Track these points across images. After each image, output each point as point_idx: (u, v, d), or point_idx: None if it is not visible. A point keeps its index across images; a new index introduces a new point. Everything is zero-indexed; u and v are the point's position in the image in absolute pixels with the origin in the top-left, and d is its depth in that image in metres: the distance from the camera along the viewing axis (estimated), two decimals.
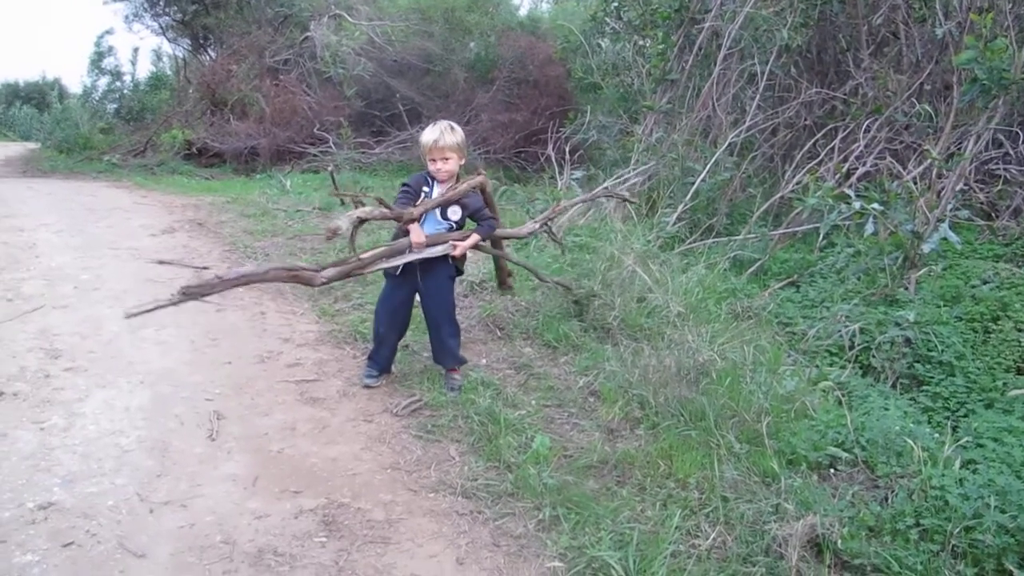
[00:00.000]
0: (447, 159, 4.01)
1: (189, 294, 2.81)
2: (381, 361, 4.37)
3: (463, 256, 4.18)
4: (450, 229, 4.13)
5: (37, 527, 2.87)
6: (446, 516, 3.16)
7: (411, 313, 4.32)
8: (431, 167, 4.02)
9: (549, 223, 5.24)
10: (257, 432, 3.75)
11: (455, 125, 4.10)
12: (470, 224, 4.25)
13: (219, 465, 3.43)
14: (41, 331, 4.83)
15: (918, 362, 4.75)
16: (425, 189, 4.04)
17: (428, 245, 3.92)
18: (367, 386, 4.29)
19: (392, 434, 3.81)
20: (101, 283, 5.89)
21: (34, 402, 3.87)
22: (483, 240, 4.26)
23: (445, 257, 4.09)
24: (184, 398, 4.05)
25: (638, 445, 3.75)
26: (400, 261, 3.86)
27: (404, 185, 4.09)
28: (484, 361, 4.74)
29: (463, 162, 4.12)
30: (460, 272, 4.34)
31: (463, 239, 4.06)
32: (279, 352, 4.77)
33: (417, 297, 4.25)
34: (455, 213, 4.11)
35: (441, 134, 3.99)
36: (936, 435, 3.77)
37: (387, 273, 4.18)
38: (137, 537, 2.86)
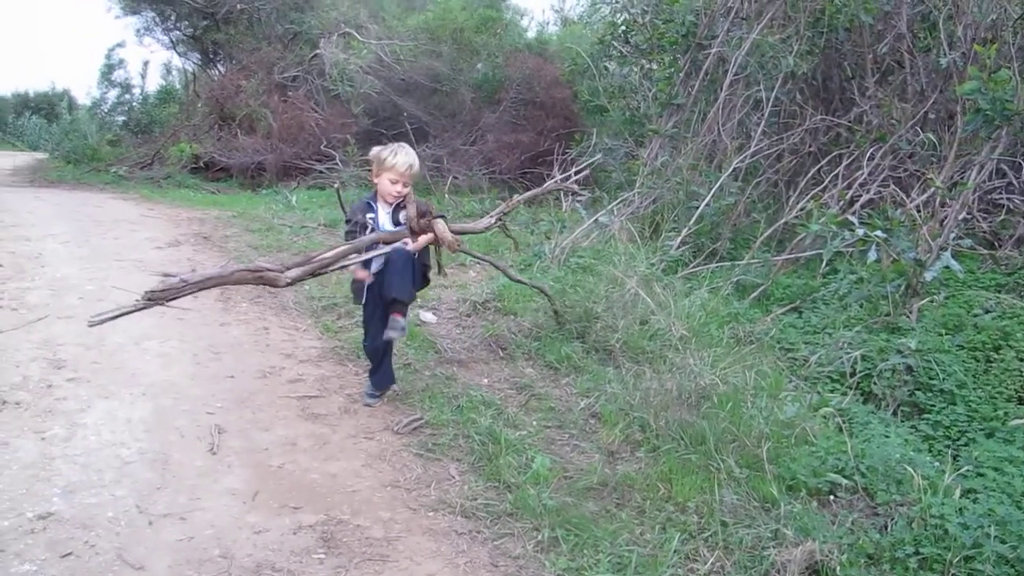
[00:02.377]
0: (406, 185, 4.06)
1: (154, 299, 2.79)
2: (383, 375, 4.38)
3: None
4: None
5: (36, 537, 2.88)
6: (445, 535, 3.16)
7: None
8: (390, 187, 4.04)
9: (503, 217, 5.15)
10: (258, 447, 3.75)
11: None
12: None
13: (219, 479, 3.43)
14: (45, 341, 4.85)
15: (919, 390, 4.74)
16: (370, 216, 4.07)
17: (388, 242, 3.98)
18: (368, 405, 4.31)
19: (392, 452, 3.82)
20: (106, 294, 5.91)
21: (36, 412, 3.89)
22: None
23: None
24: (185, 411, 4.06)
25: (638, 468, 3.75)
26: (362, 258, 3.87)
27: (349, 223, 4.14)
28: (486, 381, 4.74)
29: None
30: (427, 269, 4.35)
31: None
32: (281, 367, 4.78)
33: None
34: (404, 217, 4.12)
35: (415, 160, 4.07)
36: (936, 464, 3.76)
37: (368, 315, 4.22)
38: (135, 549, 2.86)
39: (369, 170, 4.36)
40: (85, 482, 3.29)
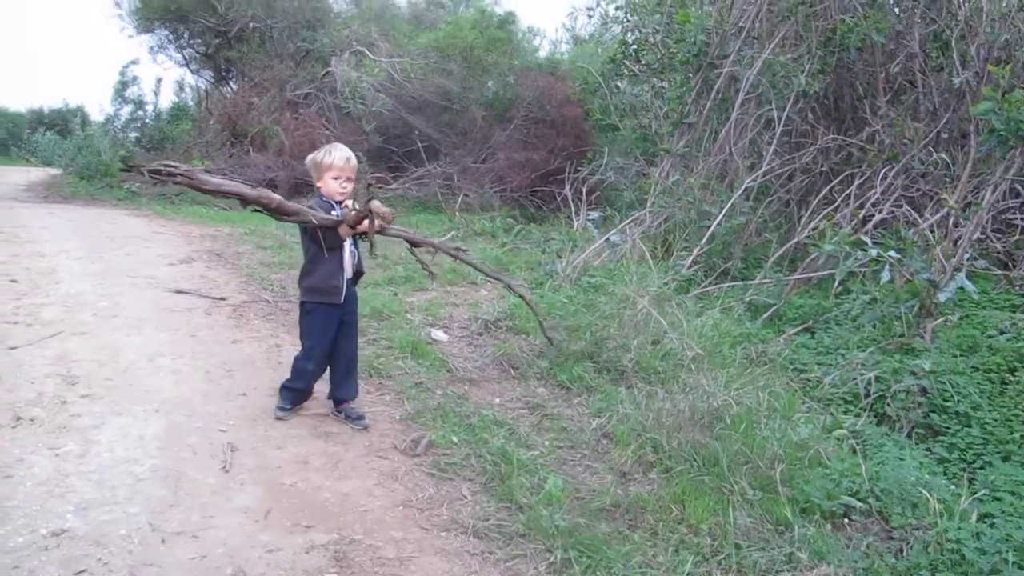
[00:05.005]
0: (350, 179, 4.09)
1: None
2: (307, 393, 4.41)
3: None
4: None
5: (49, 554, 2.88)
6: (457, 556, 3.15)
7: None
8: (336, 186, 4.06)
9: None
10: (270, 465, 3.75)
11: None
12: None
13: (232, 497, 3.43)
14: (59, 357, 4.86)
15: (934, 412, 4.72)
16: (335, 213, 4.05)
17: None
18: (280, 418, 4.26)
19: (405, 471, 3.81)
20: (119, 311, 5.94)
21: (50, 428, 3.89)
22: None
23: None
24: (198, 428, 4.06)
25: (651, 489, 3.74)
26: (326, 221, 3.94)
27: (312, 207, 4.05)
28: (498, 400, 4.74)
29: None
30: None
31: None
32: None
33: None
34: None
35: (352, 155, 4.09)
36: (952, 487, 3.74)
37: (318, 328, 4.26)
38: (148, 567, 2.86)
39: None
40: (99, 499, 3.29)
